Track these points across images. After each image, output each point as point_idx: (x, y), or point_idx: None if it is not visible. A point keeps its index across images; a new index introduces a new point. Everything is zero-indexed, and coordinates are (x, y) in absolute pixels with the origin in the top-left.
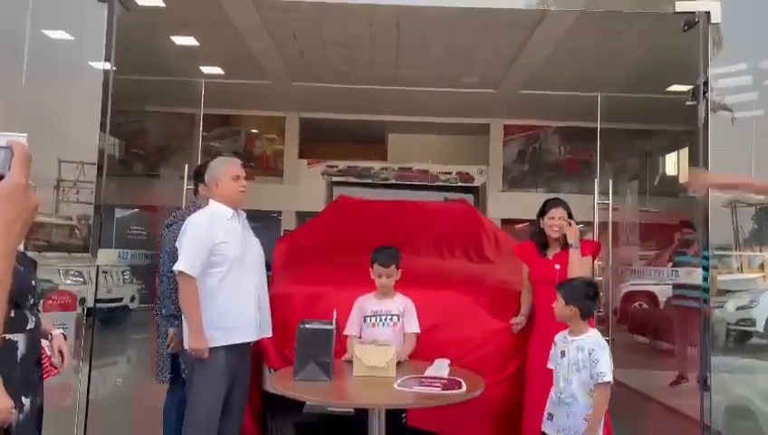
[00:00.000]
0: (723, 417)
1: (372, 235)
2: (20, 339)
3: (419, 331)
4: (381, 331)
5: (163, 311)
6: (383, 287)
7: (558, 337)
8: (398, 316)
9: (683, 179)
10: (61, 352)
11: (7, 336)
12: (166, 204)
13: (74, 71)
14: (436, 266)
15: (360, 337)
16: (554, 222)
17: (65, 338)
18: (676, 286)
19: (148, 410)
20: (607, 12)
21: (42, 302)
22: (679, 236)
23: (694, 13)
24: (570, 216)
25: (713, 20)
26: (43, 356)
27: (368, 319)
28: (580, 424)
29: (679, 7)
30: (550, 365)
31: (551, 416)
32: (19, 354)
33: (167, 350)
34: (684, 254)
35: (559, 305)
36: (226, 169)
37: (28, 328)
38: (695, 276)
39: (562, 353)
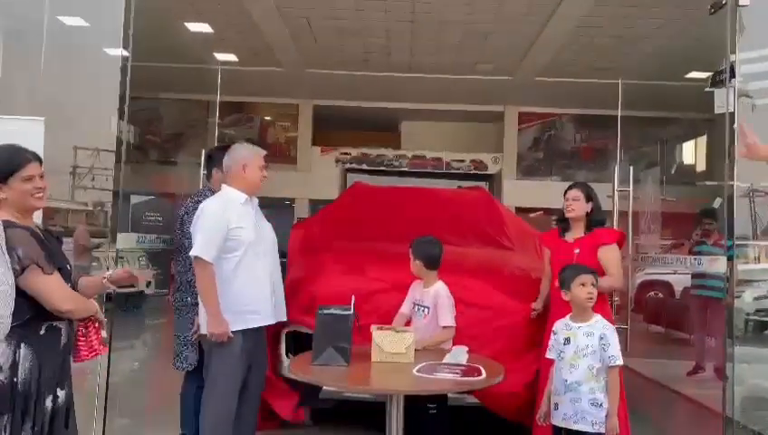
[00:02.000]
0: (740, 407)
1: (388, 222)
2: (63, 326)
3: (452, 324)
4: (416, 320)
5: (189, 299)
6: (414, 274)
7: (558, 325)
8: (428, 308)
9: (741, 149)
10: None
11: (54, 323)
12: (181, 190)
13: (90, 57)
14: (454, 253)
15: (408, 318)
16: (567, 203)
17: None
18: (693, 276)
19: (164, 394)
20: None
21: None
22: (700, 226)
23: None
24: (588, 198)
25: (741, 2)
26: (81, 340)
27: (414, 306)
28: (586, 408)
29: None
30: (550, 355)
31: (556, 405)
32: (62, 342)
33: (192, 337)
34: (704, 244)
35: (563, 292)
36: (256, 156)
37: None
38: (718, 265)
39: (566, 341)
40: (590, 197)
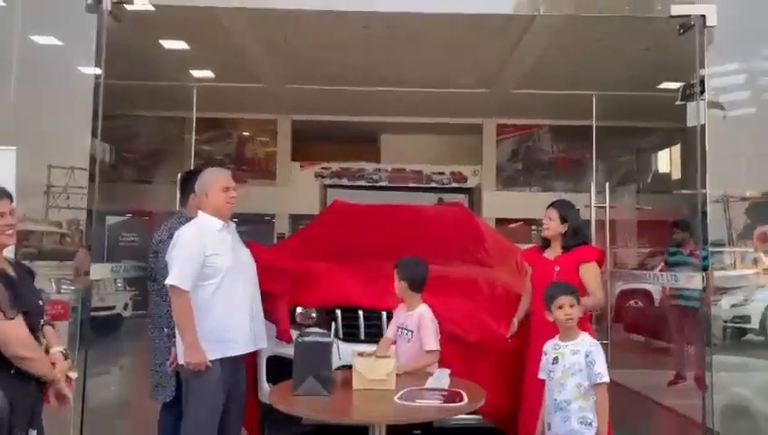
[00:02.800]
0: (720, 416)
1: (368, 241)
2: None
3: (436, 347)
4: (400, 344)
5: (166, 329)
6: (397, 294)
7: (548, 345)
8: (412, 332)
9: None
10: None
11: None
12: (158, 209)
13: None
14: (435, 272)
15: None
16: (543, 221)
17: (65, 356)
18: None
19: (142, 423)
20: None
21: None
22: (672, 236)
23: (689, 16)
24: (564, 219)
25: (708, 23)
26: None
27: (399, 329)
28: (575, 427)
29: (675, 11)
30: (542, 375)
31: (549, 425)
32: (32, 381)
33: (170, 368)
34: (679, 253)
35: (547, 312)
36: (215, 180)
37: None
38: (694, 281)
39: (555, 360)
40: (565, 218)
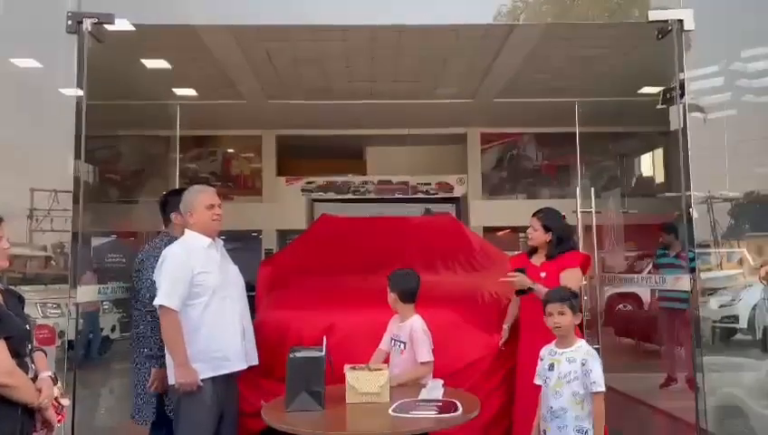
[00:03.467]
0: (713, 416)
1: (357, 254)
2: None
3: (429, 359)
4: (393, 356)
5: (145, 350)
6: (391, 306)
7: (544, 351)
8: (404, 343)
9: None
10: (57, 401)
11: None
12: (144, 229)
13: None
14: (425, 283)
15: (387, 355)
16: (528, 230)
17: (55, 381)
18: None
19: None
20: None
21: None
22: (659, 240)
23: (667, 21)
24: (546, 228)
25: (686, 27)
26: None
27: (392, 341)
28: None
29: (652, 16)
30: (538, 381)
31: (544, 432)
32: (20, 409)
33: (149, 390)
34: (665, 256)
35: (546, 318)
36: (199, 198)
37: (29, 377)
38: (681, 282)
39: (551, 367)
40: (547, 227)
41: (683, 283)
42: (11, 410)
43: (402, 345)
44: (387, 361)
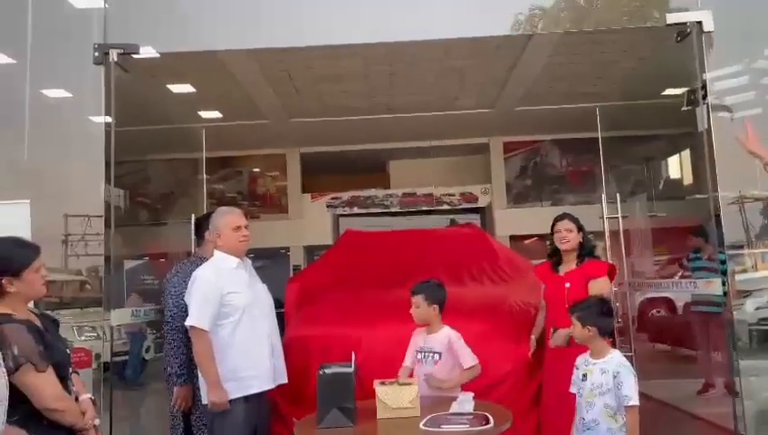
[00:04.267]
0: (754, 423)
1: (383, 268)
2: None
3: (475, 362)
4: (423, 368)
5: (168, 369)
6: (416, 319)
7: (579, 360)
8: (439, 354)
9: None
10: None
11: None
12: (174, 250)
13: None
14: (451, 294)
15: (411, 370)
16: (560, 235)
17: (94, 402)
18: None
19: None
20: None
21: None
22: (689, 244)
23: (686, 24)
24: (579, 228)
25: (705, 29)
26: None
27: (418, 354)
28: None
29: (670, 20)
30: (573, 389)
31: None
32: (64, 431)
33: (173, 409)
34: (699, 259)
35: (576, 329)
36: (226, 220)
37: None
38: (714, 286)
39: (584, 377)
40: (580, 227)
41: (715, 286)
42: (58, 432)
43: (437, 356)
44: (411, 376)
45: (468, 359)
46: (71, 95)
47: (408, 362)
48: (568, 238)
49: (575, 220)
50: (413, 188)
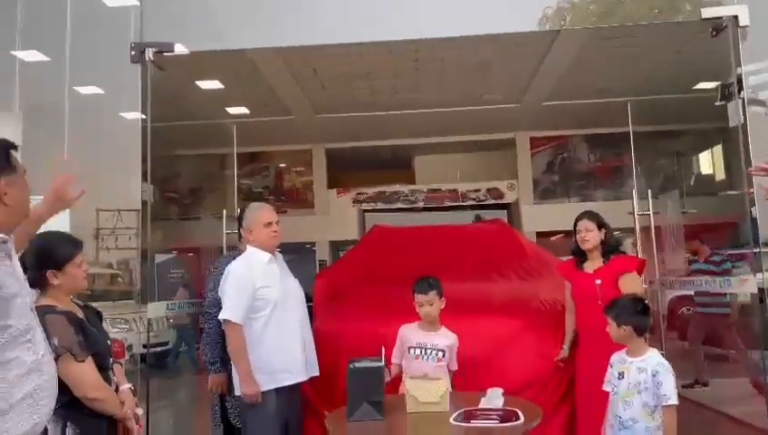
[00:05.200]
0: None
1: (411, 264)
2: None
3: (457, 368)
4: (424, 364)
5: (204, 357)
6: (427, 316)
7: (615, 358)
8: (443, 352)
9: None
10: (135, 414)
11: None
12: (203, 244)
13: (108, 123)
14: (479, 291)
15: (401, 367)
16: (581, 235)
17: (134, 392)
18: (697, 294)
19: None
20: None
21: None
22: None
23: (721, 18)
24: (602, 227)
25: (741, 23)
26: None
27: (411, 350)
28: None
29: (706, 14)
30: (606, 387)
31: None
32: (106, 420)
33: (211, 393)
34: (695, 261)
35: (612, 328)
36: (258, 216)
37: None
38: (749, 284)
39: (620, 375)
40: (601, 224)
41: (749, 284)
42: (98, 421)
43: (440, 354)
44: (400, 373)
45: (456, 363)
46: (104, 92)
47: (397, 359)
48: (588, 238)
49: (595, 218)
50: (438, 184)
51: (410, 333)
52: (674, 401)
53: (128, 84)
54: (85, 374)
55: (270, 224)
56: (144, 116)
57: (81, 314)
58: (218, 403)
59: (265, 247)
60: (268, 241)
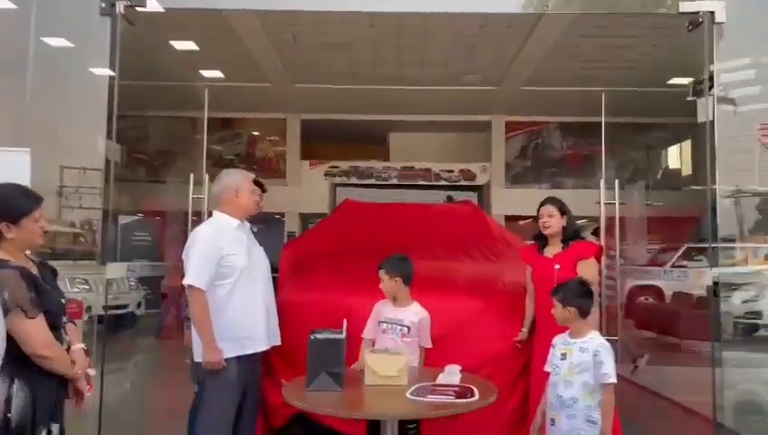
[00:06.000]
0: (731, 412)
1: (380, 239)
2: None
3: (430, 345)
4: (389, 339)
5: (184, 313)
6: (387, 293)
7: (557, 339)
8: (408, 328)
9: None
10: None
11: None
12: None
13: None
14: (444, 270)
15: (373, 342)
16: (542, 220)
17: (87, 353)
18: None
19: (158, 416)
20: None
21: None
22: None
23: (698, 13)
24: (564, 213)
25: (717, 19)
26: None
27: (381, 324)
28: (582, 425)
29: (683, 8)
30: (548, 368)
31: (552, 421)
32: (55, 377)
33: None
34: None
35: (557, 310)
36: (247, 182)
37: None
38: (705, 278)
39: (563, 356)
40: (563, 211)
41: (706, 277)
42: (48, 379)
43: (406, 329)
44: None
45: (429, 341)
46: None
47: (368, 334)
48: (549, 223)
49: (558, 204)
50: (412, 161)
51: (383, 309)
52: (613, 379)
53: (97, 39)
54: (35, 331)
55: (254, 191)
56: (113, 73)
57: (35, 271)
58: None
59: (243, 214)
60: (253, 208)
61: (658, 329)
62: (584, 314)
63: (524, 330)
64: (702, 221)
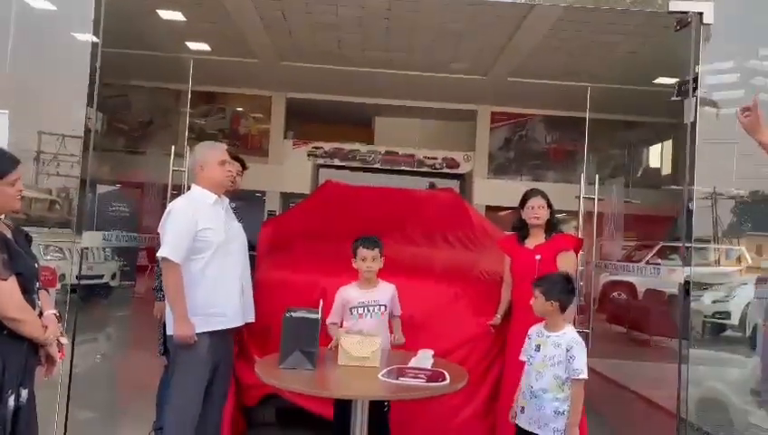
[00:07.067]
0: (694, 407)
1: (359, 222)
2: None
3: (401, 312)
4: (369, 321)
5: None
6: (368, 272)
7: (533, 330)
8: (385, 305)
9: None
10: (57, 341)
11: None
12: (149, 180)
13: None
14: (422, 255)
15: (342, 327)
16: (533, 212)
17: (59, 319)
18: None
19: (131, 386)
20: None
21: None
22: None
23: (687, 13)
24: (549, 205)
25: (705, 20)
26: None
27: (354, 310)
28: (549, 416)
29: (673, 7)
30: (522, 357)
31: (522, 409)
32: (25, 342)
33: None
34: None
35: (538, 301)
36: (213, 153)
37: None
38: (676, 275)
39: (537, 347)
40: (549, 203)
41: (677, 274)
42: (18, 344)
43: (383, 308)
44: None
45: (398, 308)
46: (55, 8)
47: (335, 318)
48: (539, 215)
49: (545, 196)
50: (396, 146)
51: (351, 294)
52: (584, 375)
53: (82, 3)
54: (6, 293)
55: (224, 163)
56: (96, 39)
57: (9, 235)
58: (163, 332)
59: (217, 187)
60: (223, 180)
61: (629, 324)
62: (564, 309)
63: (498, 316)
64: (678, 221)
